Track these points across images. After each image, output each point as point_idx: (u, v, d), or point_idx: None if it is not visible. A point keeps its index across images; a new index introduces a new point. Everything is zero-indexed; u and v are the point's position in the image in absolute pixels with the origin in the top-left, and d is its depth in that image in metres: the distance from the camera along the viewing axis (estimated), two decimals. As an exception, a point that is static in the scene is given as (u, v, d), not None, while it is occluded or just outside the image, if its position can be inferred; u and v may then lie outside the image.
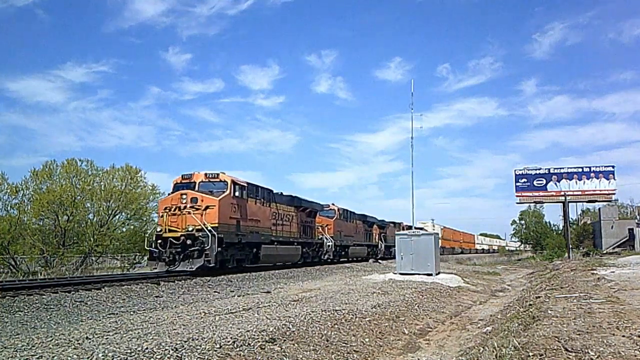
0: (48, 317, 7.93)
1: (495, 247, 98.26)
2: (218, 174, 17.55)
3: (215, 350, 5.31)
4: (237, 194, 17.84)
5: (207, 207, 16.29)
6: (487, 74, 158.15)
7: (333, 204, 29.55)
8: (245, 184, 18.81)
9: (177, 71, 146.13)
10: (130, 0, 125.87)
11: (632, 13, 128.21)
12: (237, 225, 17.61)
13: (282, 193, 23.32)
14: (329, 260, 27.67)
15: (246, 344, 5.69)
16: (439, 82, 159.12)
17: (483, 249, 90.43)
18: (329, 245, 27.07)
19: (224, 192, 17.14)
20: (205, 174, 17.55)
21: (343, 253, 30.22)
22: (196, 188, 17.10)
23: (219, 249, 16.07)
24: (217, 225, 16.09)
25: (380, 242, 38.54)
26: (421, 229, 50.78)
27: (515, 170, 43.76)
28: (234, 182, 17.69)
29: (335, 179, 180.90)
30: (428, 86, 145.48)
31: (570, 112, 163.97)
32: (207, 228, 15.76)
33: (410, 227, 45.83)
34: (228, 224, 17.03)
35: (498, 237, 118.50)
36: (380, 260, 37.03)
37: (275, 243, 20.99)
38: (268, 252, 20.20)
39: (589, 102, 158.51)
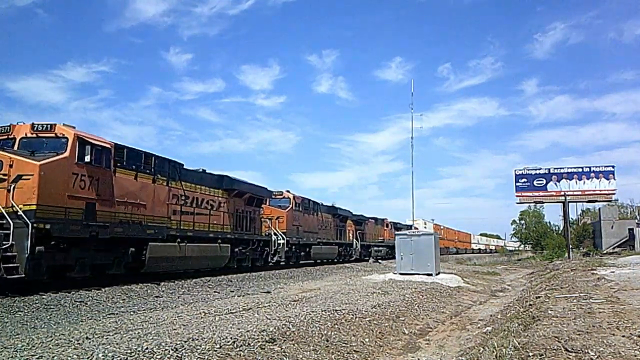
0: (48, 317, 7.93)
1: (493, 247, 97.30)
2: (52, 126, 11.33)
3: (215, 350, 5.31)
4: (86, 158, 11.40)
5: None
6: (488, 73, 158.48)
7: (288, 191, 23.97)
8: (96, 142, 11.77)
9: (177, 71, 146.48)
10: (131, 0, 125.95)
11: (633, 13, 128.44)
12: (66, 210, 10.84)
13: (204, 170, 17.45)
14: (281, 263, 21.99)
15: (246, 344, 5.69)
16: (439, 82, 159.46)
17: (480, 249, 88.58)
18: (279, 244, 21.22)
19: (57, 154, 10.87)
20: (33, 125, 11.33)
21: (303, 254, 24.56)
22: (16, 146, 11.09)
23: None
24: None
25: (356, 240, 33.30)
26: (410, 227, 49.36)
27: (515, 170, 43.74)
28: (79, 138, 11.32)
29: (336, 179, 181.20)
30: (429, 86, 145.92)
31: (571, 112, 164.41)
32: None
33: (396, 225, 43.91)
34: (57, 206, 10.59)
35: (498, 237, 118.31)
36: (380, 261, 35.56)
37: (182, 240, 14.85)
38: (159, 253, 13.75)
39: (590, 102, 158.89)
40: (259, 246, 20.30)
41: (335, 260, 29.56)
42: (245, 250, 19.20)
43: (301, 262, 24.42)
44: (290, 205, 23.24)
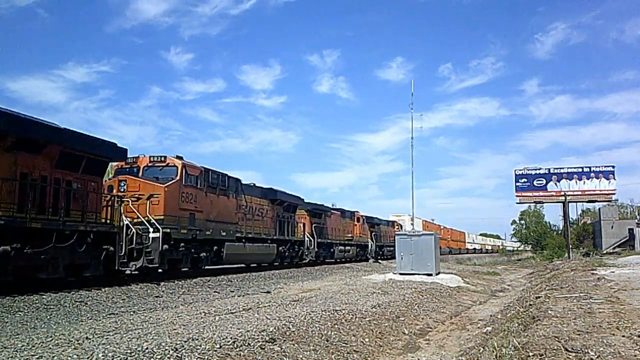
0: (48, 317, 7.93)
1: (489, 247, 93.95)
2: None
3: (215, 350, 5.31)
4: None
5: None
6: (489, 73, 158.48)
7: (180, 157, 15.47)
8: None
9: (178, 71, 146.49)
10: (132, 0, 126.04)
11: (635, 13, 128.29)
12: None
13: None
14: (146, 268, 13.38)
15: (246, 344, 5.69)
16: (440, 82, 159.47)
17: (475, 249, 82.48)
18: (153, 238, 13.28)
19: None
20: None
21: (203, 255, 16.11)
22: None
23: None
24: None
25: (311, 237, 25.65)
26: (393, 222, 45.12)
27: (515, 170, 43.73)
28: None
29: (336, 179, 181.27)
30: (430, 86, 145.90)
31: (572, 112, 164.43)
32: None
33: (371, 219, 37.01)
34: None
35: (498, 237, 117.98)
36: (380, 261, 34.73)
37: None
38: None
39: (591, 102, 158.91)
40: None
41: (276, 264, 22.08)
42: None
43: (207, 267, 16.82)
44: (177, 178, 14.78)
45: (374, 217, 38.84)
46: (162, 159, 15.09)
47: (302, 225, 25.28)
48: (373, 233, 36.63)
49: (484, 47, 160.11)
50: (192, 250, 15.53)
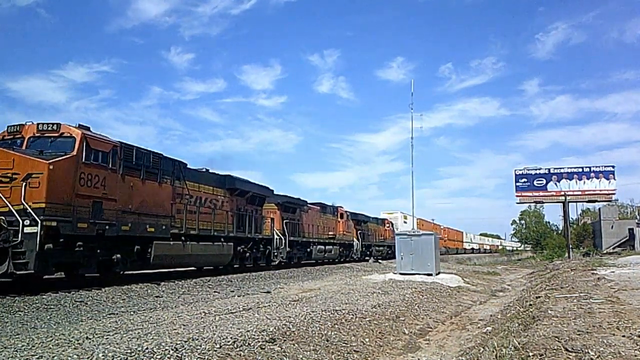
0: (48, 317, 7.92)
1: (487, 247, 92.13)
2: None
3: (215, 350, 5.31)
4: None
5: None
6: (489, 73, 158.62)
7: (82, 126, 11.89)
8: None
9: (179, 71, 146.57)
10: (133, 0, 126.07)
11: (635, 13, 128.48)
12: None
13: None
14: (14, 275, 9.84)
15: (246, 344, 5.69)
16: (441, 82, 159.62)
17: (473, 249, 79.71)
18: (26, 234, 9.80)
19: None
20: None
21: (118, 258, 12.41)
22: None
23: None
24: None
25: (282, 235, 21.74)
26: (384, 220, 40.83)
27: (515, 170, 43.72)
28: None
29: (336, 179, 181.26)
30: (430, 86, 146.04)
31: (573, 112, 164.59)
32: None
33: (356, 216, 33.29)
34: None
35: (498, 237, 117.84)
36: (380, 261, 33.54)
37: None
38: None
39: (591, 102, 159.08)
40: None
41: (237, 266, 18.74)
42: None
43: (129, 272, 13.73)
44: (73, 153, 11.13)
45: (361, 213, 35.22)
46: (55, 127, 11.36)
47: (270, 220, 21.43)
48: (359, 231, 33.15)
49: (485, 47, 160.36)
50: (99, 250, 11.79)
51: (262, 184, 20.92)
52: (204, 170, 17.22)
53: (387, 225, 41.20)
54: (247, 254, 18.98)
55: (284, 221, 22.42)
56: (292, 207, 23.95)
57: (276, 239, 21.25)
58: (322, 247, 26.64)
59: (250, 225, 19.15)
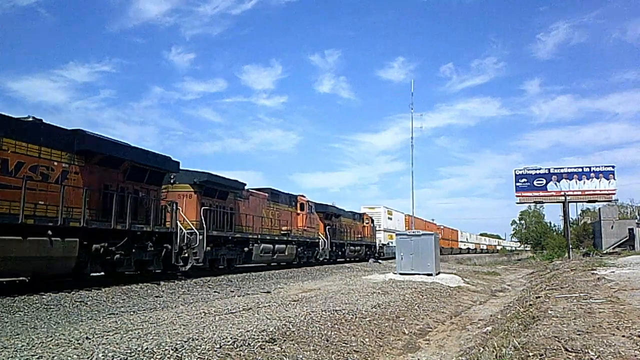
0: (48, 317, 7.92)
1: (484, 247, 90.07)
2: None
3: (215, 350, 5.31)
4: None
5: None
6: (490, 73, 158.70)
7: None
8: None
9: (180, 71, 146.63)
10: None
11: (636, 13, 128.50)
12: None
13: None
14: None
15: (246, 344, 5.69)
16: (441, 82, 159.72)
17: (469, 249, 75.70)
18: None
19: None
20: None
21: None
22: None
23: None
24: None
25: (197, 229, 15.54)
26: (362, 215, 34.71)
27: (515, 170, 43.79)
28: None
29: (337, 179, 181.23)
30: (431, 86, 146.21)
31: (573, 112, 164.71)
32: None
33: (324, 207, 27.67)
34: None
35: (498, 237, 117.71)
36: (380, 260, 32.76)
37: None
38: None
39: (592, 102, 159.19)
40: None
41: (95, 274, 12.39)
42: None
43: None
44: None
45: (331, 205, 28.97)
46: None
47: (175, 207, 14.71)
48: (329, 227, 27.16)
49: (486, 47, 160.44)
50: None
51: (159, 153, 14.48)
52: (29, 119, 10.71)
53: (367, 221, 34.92)
54: (118, 256, 12.34)
55: (203, 209, 16.26)
56: (218, 190, 17.50)
57: (183, 234, 14.73)
58: (270, 245, 20.21)
59: (132, 212, 12.81)
